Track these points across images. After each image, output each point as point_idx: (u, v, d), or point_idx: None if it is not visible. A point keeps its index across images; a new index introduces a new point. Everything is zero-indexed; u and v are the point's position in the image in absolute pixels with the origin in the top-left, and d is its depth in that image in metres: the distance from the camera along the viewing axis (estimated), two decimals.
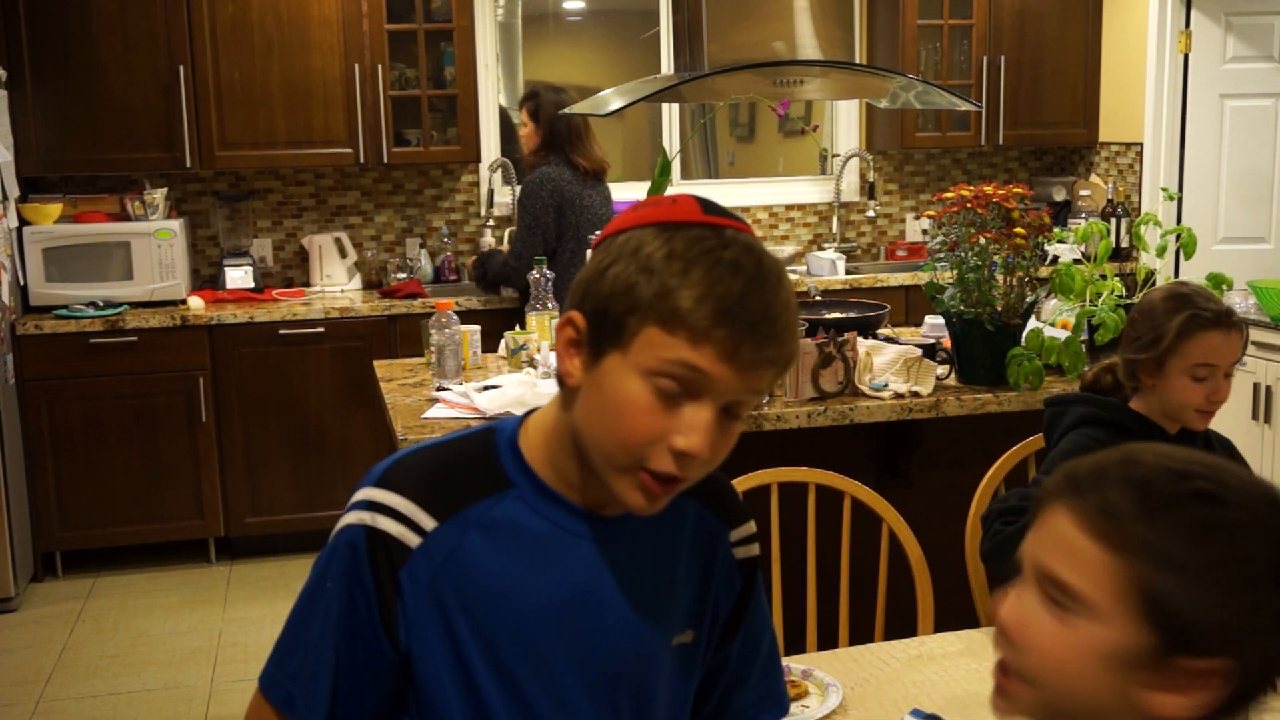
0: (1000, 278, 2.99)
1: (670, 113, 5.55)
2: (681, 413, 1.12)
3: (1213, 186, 5.15)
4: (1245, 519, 0.91)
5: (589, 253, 1.19)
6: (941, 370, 3.09)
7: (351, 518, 1.21)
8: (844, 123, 5.75)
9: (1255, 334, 4.24)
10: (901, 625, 2.30)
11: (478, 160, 5.14)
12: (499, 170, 5.29)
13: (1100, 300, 2.95)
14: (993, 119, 5.45)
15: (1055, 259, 3.84)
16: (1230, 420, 3.97)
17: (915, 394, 2.98)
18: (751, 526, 1.38)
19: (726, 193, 5.58)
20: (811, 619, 2.31)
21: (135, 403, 4.55)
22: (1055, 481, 0.98)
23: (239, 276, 4.88)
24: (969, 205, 2.93)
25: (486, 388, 2.99)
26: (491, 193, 5.28)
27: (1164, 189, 4.62)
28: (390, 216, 5.28)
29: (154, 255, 4.66)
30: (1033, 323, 3.09)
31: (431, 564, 1.19)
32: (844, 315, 3.46)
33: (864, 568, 2.52)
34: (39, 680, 3.74)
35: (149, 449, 4.59)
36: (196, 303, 4.67)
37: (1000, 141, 5.49)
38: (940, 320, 3.26)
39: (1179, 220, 5.06)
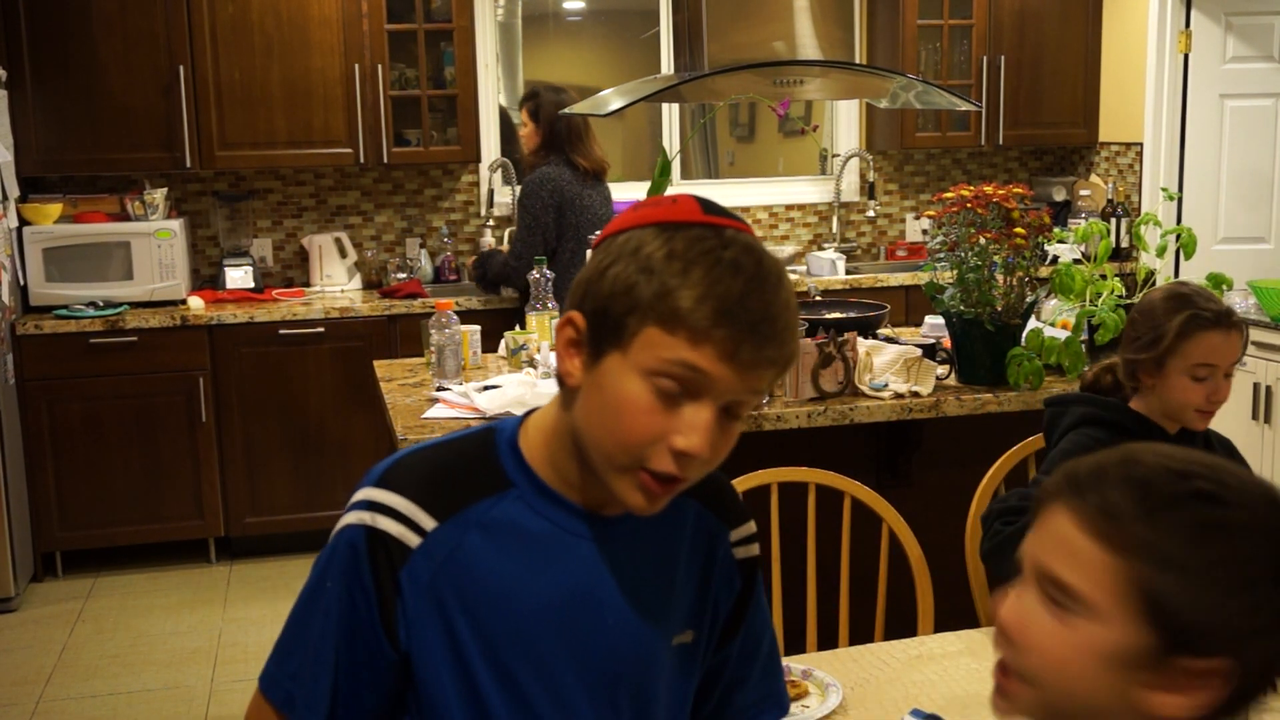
0: (1000, 278, 2.99)
1: (670, 113, 5.55)
2: (681, 413, 1.12)
3: (1213, 186, 5.15)
4: (1245, 519, 0.90)
5: (589, 253, 1.19)
6: (941, 370, 3.09)
7: (351, 518, 1.21)
8: (844, 123, 5.75)
9: (1255, 334, 4.24)
10: (901, 625, 2.30)
11: (478, 160, 5.14)
12: (499, 170, 5.29)
13: (1100, 300, 2.95)
14: (993, 119, 5.45)
15: (1055, 259, 3.84)
16: (1230, 420, 3.97)
17: (915, 394, 2.98)
18: (751, 526, 1.38)
19: (726, 193, 5.58)
20: (811, 619, 2.31)
21: (135, 403, 4.55)
22: (1055, 481, 0.98)
23: (239, 276, 4.88)
24: (969, 205, 2.93)
25: (486, 388, 2.99)
26: (491, 193, 5.28)
27: (1164, 189, 4.63)
28: (390, 216, 5.28)
29: (154, 255, 4.66)
30: (1033, 323, 3.09)
31: (431, 564, 1.19)
32: (844, 315, 3.46)
33: (864, 568, 2.52)
34: (39, 680, 3.74)
35: (149, 449, 4.59)
36: (196, 303, 4.67)
37: (1000, 141, 5.50)
38: (940, 320, 3.26)
39: (1179, 220, 5.06)
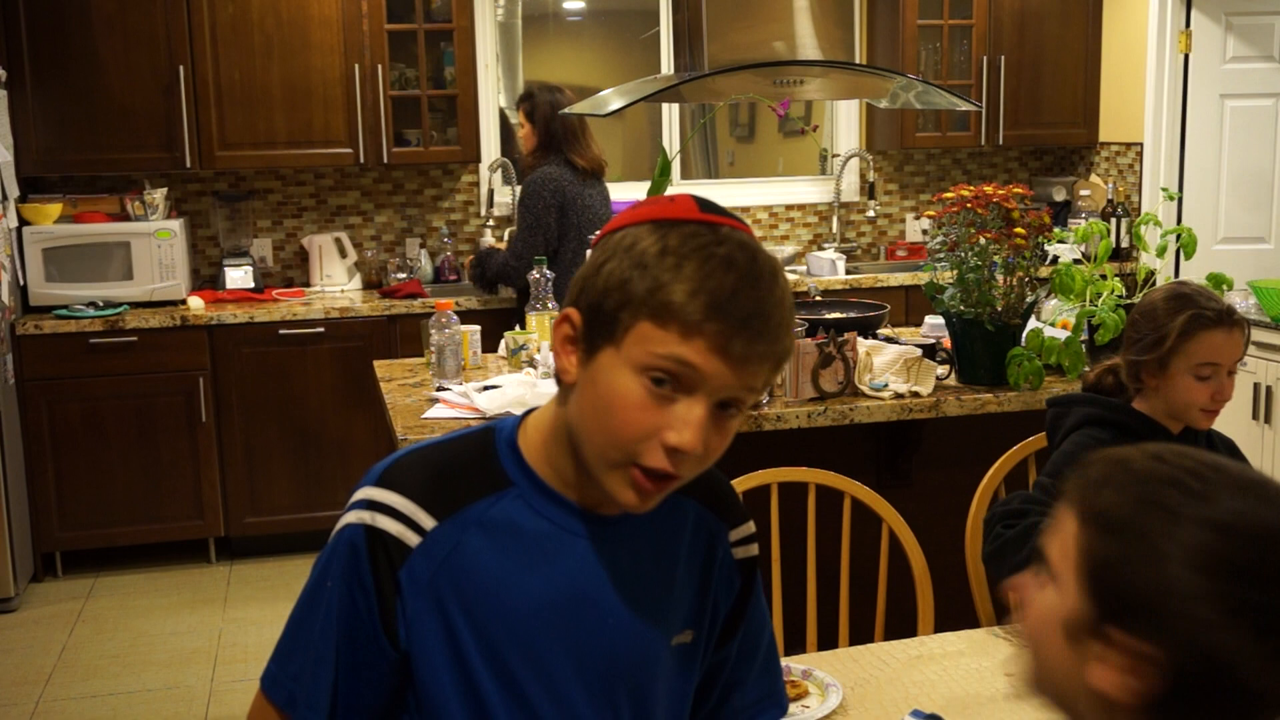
0: (1000, 278, 2.99)
1: (670, 113, 5.55)
2: (674, 408, 1.12)
3: (1213, 186, 5.15)
4: (1198, 507, 0.91)
5: (589, 252, 1.19)
6: (941, 370, 3.09)
7: (352, 517, 1.21)
8: (844, 123, 5.75)
9: (1255, 334, 4.24)
10: (901, 625, 2.30)
11: (478, 160, 5.14)
12: (499, 170, 5.29)
13: (1100, 300, 2.95)
14: (993, 119, 5.45)
15: (1055, 259, 3.84)
16: (1230, 420, 3.96)
17: (915, 394, 2.98)
18: (751, 526, 1.38)
19: (726, 193, 5.58)
20: (811, 619, 2.31)
21: (135, 403, 4.55)
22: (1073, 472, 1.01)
23: (239, 276, 4.88)
24: (969, 205, 2.93)
25: (486, 388, 2.99)
26: (491, 193, 5.28)
27: (1164, 189, 4.62)
28: (390, 216, 5.28)
29: (154, 255, 4.67)
30: (1033, 323, 3.09)
31: (431, 563, 1.19)
32: (844, 315, 3.46)
33: (864, 568, 2.52)
34: (39, 680, 3.74)
35: (149, 449, 4.59)
36: (196, 303, 4.67)
37: (1000, 141, 5.50)
38: (940, 320, 3.26)
39: (1179, 220, 5.06)
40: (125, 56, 4.64)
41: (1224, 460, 0.96)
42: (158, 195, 4.75)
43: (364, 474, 1.25)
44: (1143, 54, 5.21)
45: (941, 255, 3.02)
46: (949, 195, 3.00)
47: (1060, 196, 5.63)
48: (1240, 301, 4.41)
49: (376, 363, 3.61)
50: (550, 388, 2.72)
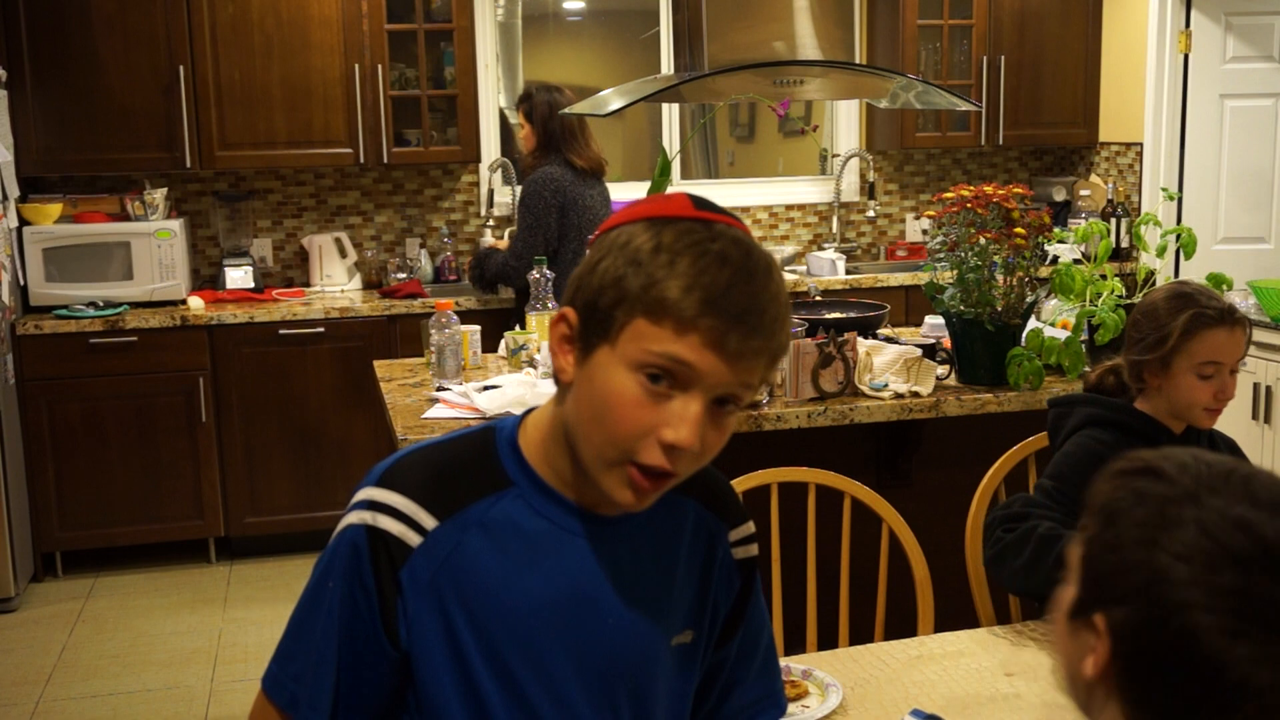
0: (1000, 278, 2.99)
1: (670, 113, 5.55)
2: (670, 405, 1.12)
3: (1213, 186, 5.15)
4: (1164, 488, 0.93)
5: (588, 252, 1.20)
6: (941, 370, 3.09)
7: (353, 517, 1.21)
8: (844, 123, 5.75)
9: (1255, 334, 4.22)
10: (901, 625, 2.30)
11: (478, 160, 5.14)
12: (499, 170, 5.29)
13: (1100, 300, 2.95)
14: (993, 119, 5.45)
15: (1055, 259, 3.84)
16: (1230, 420, 3.96)
17: (915, 394, 2.98)
18: (750, 526, 1.38)
19: (726, 193, 5.58)
20: (811, 619, 2.31)
21: (135, 403, 4.55)
22: None
23: (239, 276, 4.88)
24: (969, 205, 2.93)
25: (486, 388, 2.99)
26: (491, 193, 5.28)
27: (1164, 189, 4.63)
28: (390, 216, 5.28)
29: (154, 255, 4.67)
30: (1033, 323, 3.09)
31: (432, 563, 1.19)
32: (844, 315, 3.46)
33: (864, 568, 2.52)
34: (39, 680, 3.74)
35: (149, 449, 4.59)
36: (196, 303, 4.67)
37: (1000, 141, 5.50)
38: (940, 320, 3.26)
39: (1179, 220, 5.06)
40: (125, 56, 4.64)
41: (1220, 455, 0.97)
42: (158, 195, 4.75)
43: (365, 474, 1.25)
44: (1143, 54, 5.21)
45: (941, 255, 3.02)
46: (949, 195, 3.00)
47: (1060, 196, 5.63)
48: (1240, 301, 4.41)
49: (376, 363, 3.61)
50: (550, 388, 2.72)
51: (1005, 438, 2.61)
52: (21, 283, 4.55)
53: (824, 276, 5.15)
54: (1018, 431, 2.62)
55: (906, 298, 5.11)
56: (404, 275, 5.07)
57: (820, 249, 5.59)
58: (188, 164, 4.73)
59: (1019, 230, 2.88)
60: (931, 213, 3.16)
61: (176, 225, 4.71)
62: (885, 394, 2.96)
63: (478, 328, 3.52)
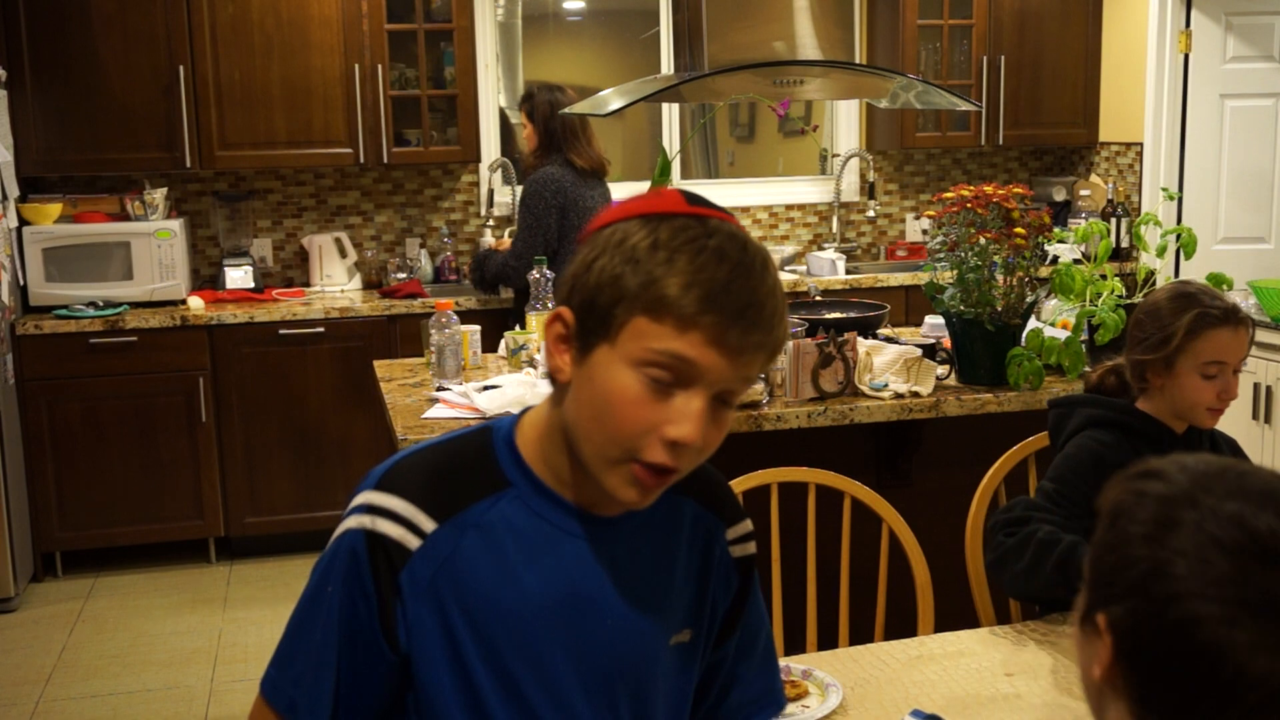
0: (1000, 278, 2.99)
1: (670, 113, 5.55)
2: (673, 402, 1.12)
3: (1213, 186, 5.15)
4: (1161, 487, 0.93)
5: (581, 249, 1.19)
6: (941, 370, 3.09)
7: (351, 521, 1.21)
8: (844, 123, 5.75)
9: (1256, 334, 4.23)
10: (901, 625, 2.29)
11: (478, 160, 5.14)
12: (499, 170, 5.29)
13: (1100, 300, 2.95)
14: (993, 119, 5.45)
15: (1055, 259, 3.84)
16: (1231, 420, 3.96)
17: (915, 394, 2.98)
18: (748, 525, 1.38)
19: (726, 193, 5.58)
20: (811, 619, 2.31)
21: (135, 403, 4.55)
22: None
23: (239, 276, 4.88)
24: (969, 205, 2.93)
25: (486, 388, 2.99)
26: (491, 193, 5.28)
27: (1164, 189, 4.62)
28: (390, 216, 5.28)
29: (154, 255, 4.67)
30: (1033, 323, 3.09)
31: (431, 565, 1.19)
32: (844, 315, 3.46)
33: (864, 568, 2.52)
34: (39, 680, 3.74)
35: (149, 449, 4.59)
36: (196, 303, 4.67)
37: (1000, 141, 5.50)
38: (940, 320, 3.26)
39: (1179, 220, 5.06)
40: (125, 56, 4.64)
41: (1221, 456, 0.97)
42: (158, 195, 4.75)
43: (363, 476, 1.24)
44: (1143, 54, 5.21)
45: (941, 255, 3.02)
46: (949, 195, 3.00)
47: (1060, 196, 5.63)
48: (1240, 302, 4.40)
49: (376, 363, 3.61)
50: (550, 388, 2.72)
51: (1005, 438, 2.60)
52: (21, 283, 4.56)
53: (824, 276, 5.15)
54: (1018, 431, 2.62)
55: (906, 298, 5.11)
56: (404, 275, 5.07)
57: (820, 249, 5.59)
58: (188, 164, 4.73)
59: (1019, 230, 2.88)
60: (931, 213, 3.16)
61: (176, 225, 4.71)
62: (885, 394, 2.96)
63: (478, 328, 3.52)
